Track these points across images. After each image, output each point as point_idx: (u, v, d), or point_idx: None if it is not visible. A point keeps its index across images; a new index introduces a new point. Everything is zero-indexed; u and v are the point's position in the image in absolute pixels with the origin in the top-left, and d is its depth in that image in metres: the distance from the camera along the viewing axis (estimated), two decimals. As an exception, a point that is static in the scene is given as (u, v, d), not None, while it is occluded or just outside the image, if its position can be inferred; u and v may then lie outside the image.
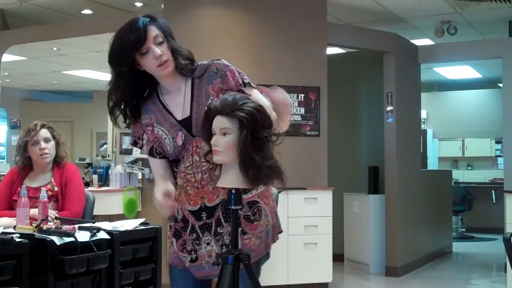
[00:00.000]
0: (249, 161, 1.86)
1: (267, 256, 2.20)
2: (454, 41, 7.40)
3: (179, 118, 2.13)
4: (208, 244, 2.09)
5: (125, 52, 2.05)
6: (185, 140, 2.10)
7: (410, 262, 6.71)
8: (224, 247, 2.08)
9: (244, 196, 2.05)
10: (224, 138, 1.87)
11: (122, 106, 2.15)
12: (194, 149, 2.09)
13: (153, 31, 2.05)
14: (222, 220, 2.09)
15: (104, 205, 4.97)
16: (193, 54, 2.21)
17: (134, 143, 2.23)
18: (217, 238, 2.09)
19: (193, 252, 2.10)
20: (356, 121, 7.54)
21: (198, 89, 2.13)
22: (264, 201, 2.15)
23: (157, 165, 2.21)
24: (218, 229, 2.09)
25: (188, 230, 2.11)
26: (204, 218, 2.09)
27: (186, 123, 2.11)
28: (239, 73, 2.16)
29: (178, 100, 2.14)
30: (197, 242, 2.10)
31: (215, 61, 2.17)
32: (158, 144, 2.16)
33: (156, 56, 2.04)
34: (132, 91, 2.13)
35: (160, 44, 2.06)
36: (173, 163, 2.18)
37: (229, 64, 2.17)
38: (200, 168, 2.08)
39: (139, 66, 2.08)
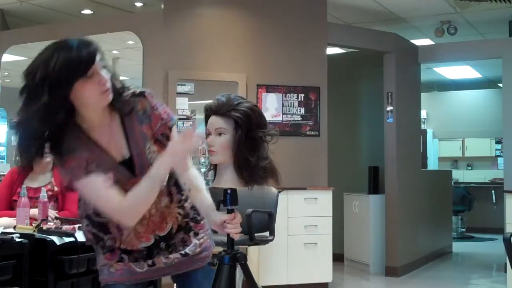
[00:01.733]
0: (244, 162, 1.86)
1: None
2: (454, 41, 7.39)
3: (119, 159, 1.88)
4: (163, 256, 2.02)
5: (71, 73, 1.69)
6: (126, 181, 1.87)
7: (410, 262, 6.71)
8: (181, 247, 2.03)
9: (187, 203, 2.03)
10: (220, 138, 1.87)
11: (39, 141, 1.75)
12: None
13: (99, 55, 1.76)
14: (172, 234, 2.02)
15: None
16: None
17: (79, 174, 1.80)
18: (170, 250, 2.02)
19: (149, 260, 2.00)
20: (356, 121, 7.54)
21: (131, 129, 1.89)
22: None
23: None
24: (169, 241, 2.02)
25: (143, 252, 1.99)
26: (164, 246, 2.00)
27: (128, 165, 1.88)
28: (164, 116, 1.92)
29: (108, 137, 1.87)
30: (150, 256, 2.01)
31: (140, 98, 1.90)
32: None
33: (103, 81, 1.75)
34: (56, 124, 1.75)
35: (102, 68, 1.77)
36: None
37: (156, 103, 1.92)
38: None
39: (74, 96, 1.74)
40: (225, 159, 1.88)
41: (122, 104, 1.87)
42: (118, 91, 1.85)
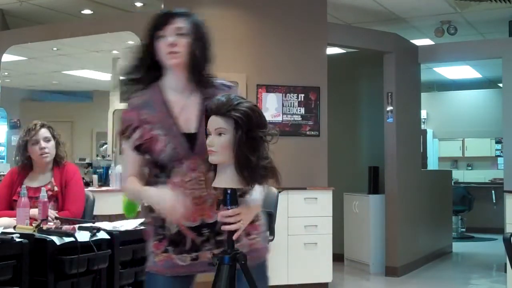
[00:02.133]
0: (245, 161, 1.86)
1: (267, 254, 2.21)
2: (454, 41, 7.40)
3: (183, 130, 2.05)
4: (209, 250, 2.06)
5: (147, 31, 2.10)
6: (184, 155, 2.03)
7: (410, 262, 6.71)
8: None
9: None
10: (220, 138, 1.87)
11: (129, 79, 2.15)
12: (193, 165, 2.02)
13: (179, 22, 2.06)
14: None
15: (104, 205, 4.96)
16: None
17: (123, 130, 2.09)
18: (218, 246, 2.06)
19: (193, 254, 2.06)
20: (356, 121, 7.54)
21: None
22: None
23: (139, 161, 2.08)
24: (217, 237, 2.06)
25: (187, 244, 2.05)
26: (207, 233, 2.05)
27: (190, 139, 2.04)
28: None
29: (181, 107, 2.07)
30: (196, 249, 2.06)
31: (226, 88, 2.11)
32: (148, 144, 2.05)
33: (167, 43, 2.03)
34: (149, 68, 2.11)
35: (180, 35, 2.05)
36: (155, 168, 2.07)
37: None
38: (198, 185, 2.02)
39: (155, 52, 2.07)
40: (225, 159, 1.88)
41: (206, 84, 2.11)
42: (204, 71, 2.12)
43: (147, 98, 2.09)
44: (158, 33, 2.05)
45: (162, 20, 2.06)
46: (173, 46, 2.03)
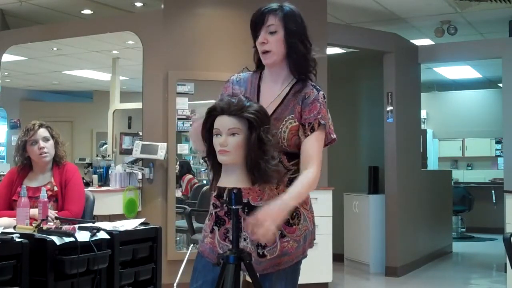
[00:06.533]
0: (256, 162, 1.87)
1: (304, 256, 2.23)
2: (454, 41, 7.39)
3: None
4: (244, 240, 2.08)
5: (251, 31, 2.19)
6: None
7: (410, 262, 6.71)
8: (259, 248, 2.09)
9: None
10: (234, 138, 1.87)
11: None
12: None
13: (270, 20, 2.10)
14: None
15: (104, 205, 4.96)
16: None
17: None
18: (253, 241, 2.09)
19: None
20: (356, 121, 7.54)
21: (289, 100, 2.14)
22: (304, 206, 2.17)
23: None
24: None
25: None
26: (245, 214, 2.07)
27: None
28: (321, 114, 2.12)
29: (271, 94, 2.16)
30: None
31: (313, 90, 2.18)
32: None
33: (259, 41, 2.12)
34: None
35: (271, 33, 2.10)
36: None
37: (321, 101, 2.15)
38: None
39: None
40: (237, 160, 1.88)
41: (302, 78, 2.19)
42: (300, 64, 2.22)
43: (244, 78, 2.26)
44: (256, 33, 2.14)
45: (255, 21, 2.14)
46: (263, 45, 2.11)
